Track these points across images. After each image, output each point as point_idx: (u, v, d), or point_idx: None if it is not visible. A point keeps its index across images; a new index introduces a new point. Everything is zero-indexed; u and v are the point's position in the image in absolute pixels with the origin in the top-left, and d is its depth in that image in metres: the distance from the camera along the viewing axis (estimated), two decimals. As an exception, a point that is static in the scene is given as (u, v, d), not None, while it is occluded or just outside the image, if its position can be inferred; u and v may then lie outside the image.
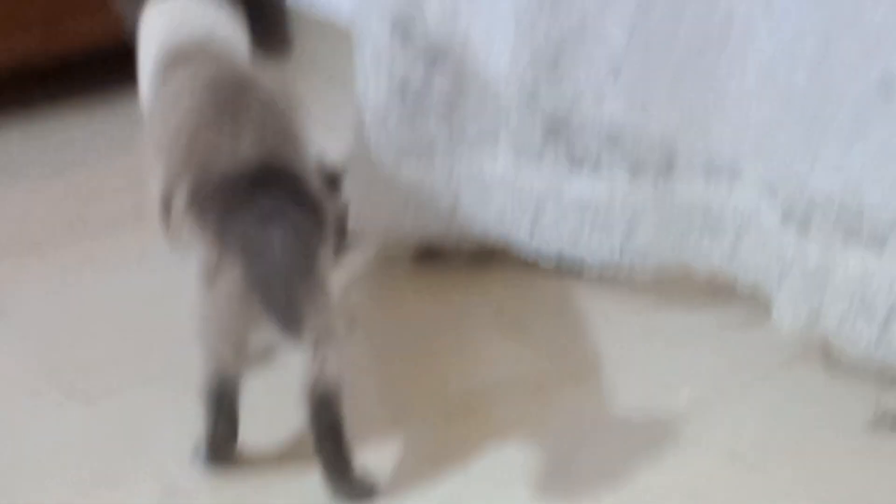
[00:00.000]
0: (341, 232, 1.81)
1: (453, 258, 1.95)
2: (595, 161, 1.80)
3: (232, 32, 1.64)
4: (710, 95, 1.71)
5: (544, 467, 1.52)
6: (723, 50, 1.69)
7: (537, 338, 1.81)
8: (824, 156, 1.59)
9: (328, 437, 1.43)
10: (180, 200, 1.40)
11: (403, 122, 1.87)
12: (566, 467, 1.53)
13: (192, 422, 1.49)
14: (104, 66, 2.41)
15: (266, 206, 1.33)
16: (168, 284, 1.76)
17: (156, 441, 1.58)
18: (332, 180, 1.82)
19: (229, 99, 1.45)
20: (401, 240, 1.95)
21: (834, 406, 1.62)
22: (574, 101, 1.79)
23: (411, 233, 1.93)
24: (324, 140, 1.66)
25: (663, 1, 1.71)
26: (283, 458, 1.53)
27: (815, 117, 1.59)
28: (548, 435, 1.58)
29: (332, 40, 2.39)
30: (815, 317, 1.64)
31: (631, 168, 1.78)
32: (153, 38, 1.63)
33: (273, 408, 1.55)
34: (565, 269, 1.87)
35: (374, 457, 1.50)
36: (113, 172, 2.26)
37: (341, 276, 1.80)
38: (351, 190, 1.91)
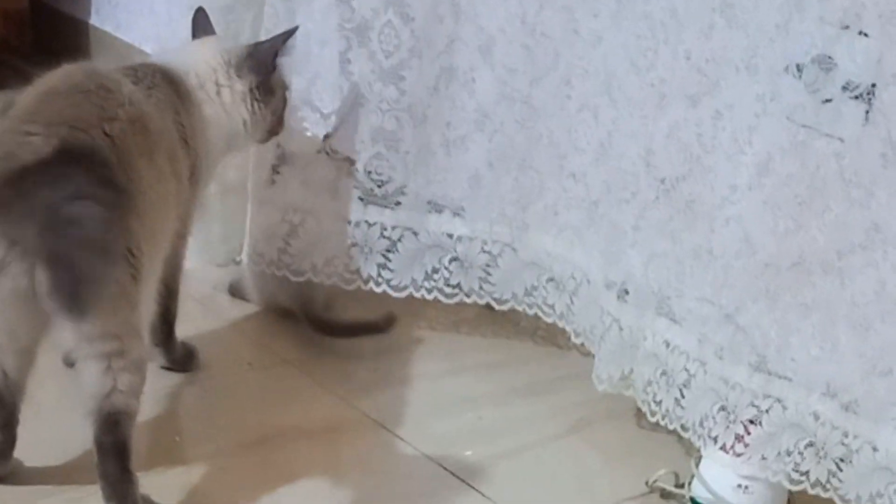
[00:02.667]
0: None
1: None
2: None
3: None
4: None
5: None
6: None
7: (343, 383, 1.78)
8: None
9: (111, 457, 1.37)
10: None
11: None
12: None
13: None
14: None
15: (71, 184, 1.26)
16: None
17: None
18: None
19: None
20: None
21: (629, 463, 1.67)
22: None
23: None
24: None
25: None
26: (66, 476, 1.48)
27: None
28: (335, 475, 1.58)
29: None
30: (626, 379, 1.67)
31: None
32: None
33: (63, 420, 1.48)
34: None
35: (158, 483, 1.47)
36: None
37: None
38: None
